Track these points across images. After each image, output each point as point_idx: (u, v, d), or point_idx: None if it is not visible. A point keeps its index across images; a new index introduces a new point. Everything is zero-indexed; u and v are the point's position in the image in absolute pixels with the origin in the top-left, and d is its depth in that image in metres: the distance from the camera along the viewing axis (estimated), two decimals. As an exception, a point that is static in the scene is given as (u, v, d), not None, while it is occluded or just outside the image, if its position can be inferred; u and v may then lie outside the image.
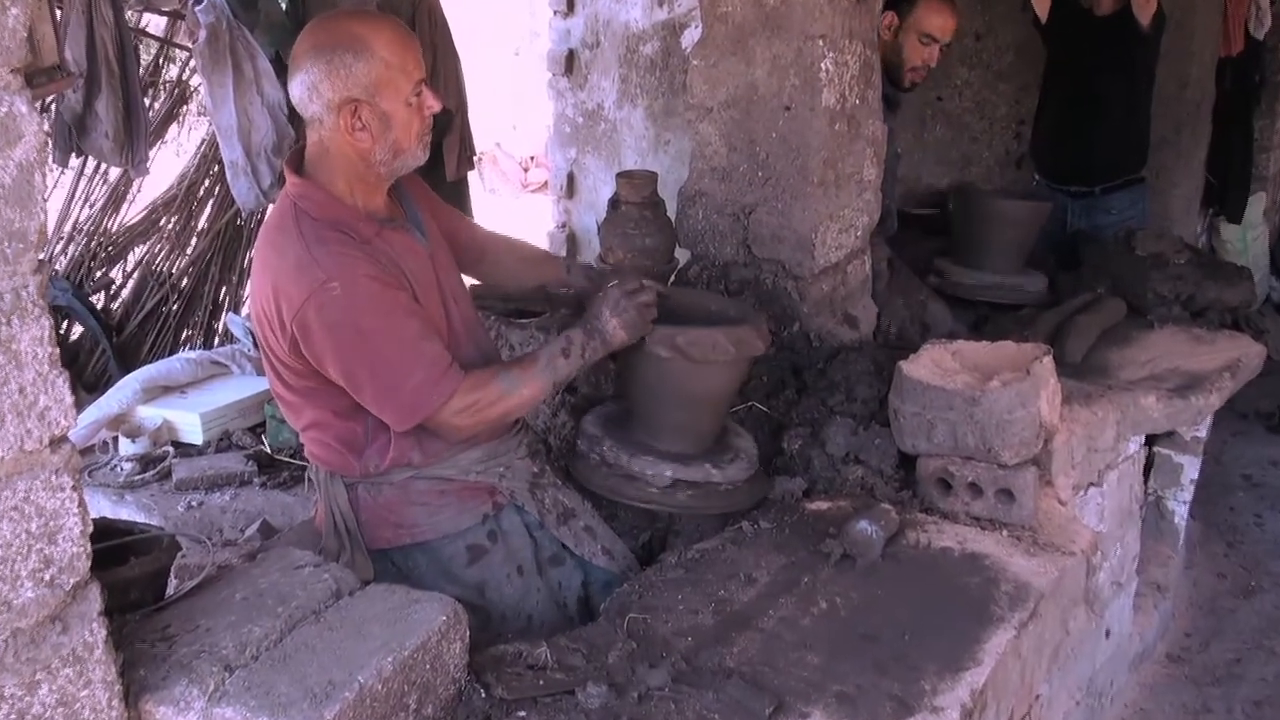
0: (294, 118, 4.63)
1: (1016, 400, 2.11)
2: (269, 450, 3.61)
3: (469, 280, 2.24)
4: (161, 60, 5.02)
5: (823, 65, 2.62)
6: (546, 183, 8.11)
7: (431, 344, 1.86)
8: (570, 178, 6.34)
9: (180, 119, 5.27)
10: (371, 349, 1.81)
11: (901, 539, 2.06)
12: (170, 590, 1.60)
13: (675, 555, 2.02)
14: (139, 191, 5.05)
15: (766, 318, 2.56)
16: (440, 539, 2.01)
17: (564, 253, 6.34)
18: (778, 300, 2.76)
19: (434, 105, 1.89)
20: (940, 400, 2.15)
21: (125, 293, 4.98)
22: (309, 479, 2.15)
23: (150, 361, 4.31)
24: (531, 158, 9.76)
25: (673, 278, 2.92)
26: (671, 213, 2.95)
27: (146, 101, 4.60)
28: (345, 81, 1.80)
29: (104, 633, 1.30)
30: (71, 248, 4.91)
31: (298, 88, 1.83)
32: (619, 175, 2.93)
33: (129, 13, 4.24)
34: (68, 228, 4.91)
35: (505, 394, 1.93)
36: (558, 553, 2.13)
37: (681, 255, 2.98)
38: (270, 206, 4.91)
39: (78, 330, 4.79)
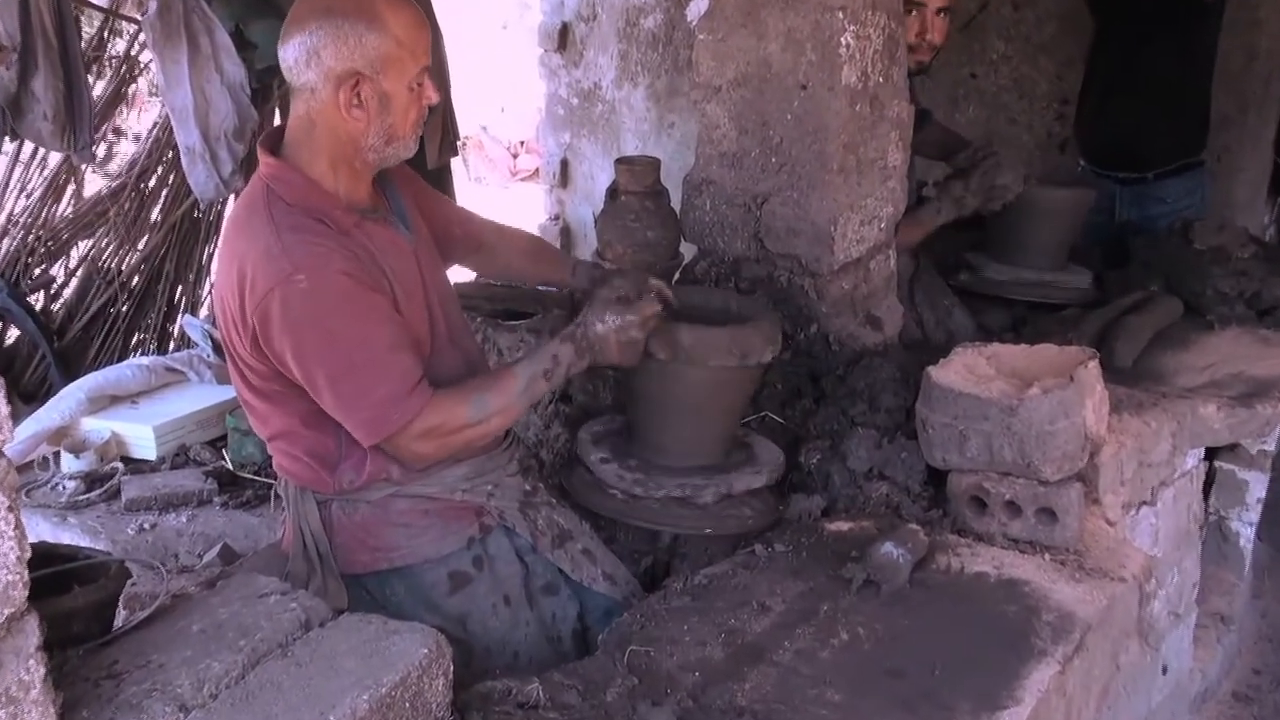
0: (257, 98, 4.65)
1: (1059, 409, 2.12)
2: (231, 466, 3.61)
3: (465, 274, 2.26)
4: (107, 33, 5.03)
5: (843, 39, 2.63)
6: (538, 170, 8.12)
7: (403, 355, 1.87)
8: (564, 165, 6.35)
9: (129, 99, 5.29)
10: (335, 353, 1.81)
11: (931, 563, 2.06)
12: (118, 622, 1.60)
13: (681, 581, 2.03)
14: (83, 180, 5.07)
15: (780, 318, 2.58)
16: (421, 564, 2.02)
17: (557, 246, 6.35)
18: (793, 299, 2.77)
19: (432, 97, 1.93)
20: (974, 409, 2.16)
21: (68, 292, 4.99)
22: (276, 496, 2.16)
23: (97, 368, 4.31)
24: (521, 143, 9.77)
25: (677, 275, 2.93)
26: (676, 203, 2.96)
27: (90, 80, 4.61)
28: (352, 52, 1.82)
29: (42, 670, 1.30)
30: (7, 242, 4.91)
31: (294, 50, 1.84)
32: (618, 162, 2.94)
33: (70, -19, 4.25)
34: (2, 220, 4.92)
35: (473, 421, 1.92)
36: (551, 580, 2.14)
37: (687, 250, 2.99)
38: (232, 197, 4.94)
39: (14, 334, 4.80)
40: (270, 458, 2.09)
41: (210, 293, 5.15)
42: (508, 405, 1.95)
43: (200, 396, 3.92)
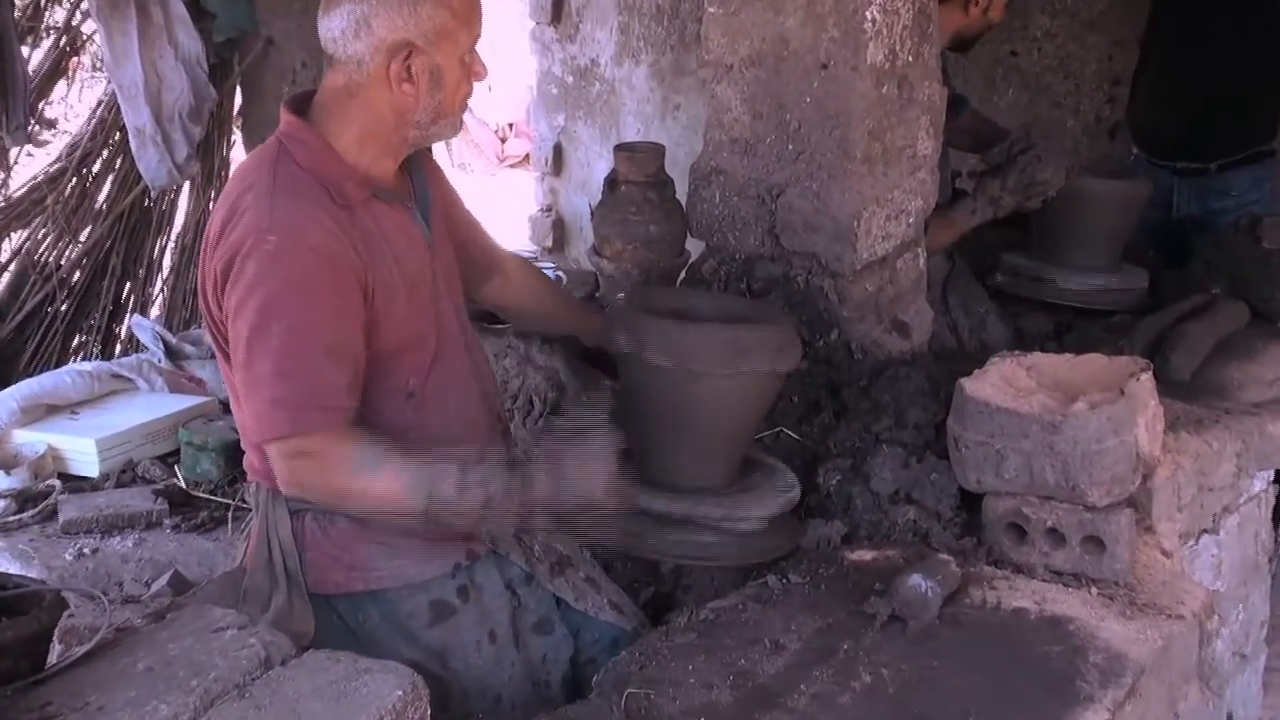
0: (216, 75, 4.67)
1: (1108, 426, 2.12)
2: (184, 485, 3.62)
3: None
4: (44, 1, 5.04)
5: (868, 14, 2.63)
6: (528, 156, 8.14)
7: (335, 368, 1.85)
8: (557, 150, 6.37)
9: (70, 74, 5.30)
10: (266, 327, 1.83)
11: (964, 597, 2.06)
12: (53, 658, 1.59)
13: (685, 616, 2.03)
14: (17, 164, 5.07)
15: (798, 324, 2.58)
16: (400, 589, 2.02)
17: (549, 242, 6.36)
18: (812, 302, 2.77)
19: (482, 72, 1.99)
20: (1012, 426, 2.16)
21: None
22: (234, 518, 2.16)
23: (32, 374, 4.31)
24: (510, 125, 9.79)
25: (682, 275, 2.93)
26: (682, 194, 2.96)
27: (25, 52, 4.62)
28: (406, 21, 1.88)
29: (-33, 710, 1.30)
30: (-72, 233, 4.93)
31: (341, 19, 1.89)
32: (618, 148, 2.95)
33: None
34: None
35: (354, 469, 1.85)
36: (545, 617, 2.14)
37: (693, 247, 2.99)
38: (186, 185, 4.95)
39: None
40: (228, 476, 2.09)
41: (162, 290, 5.16)
42: (401, 477, 1.84)
43: (150, 407, 3.92)
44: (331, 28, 1.91)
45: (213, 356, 3.85)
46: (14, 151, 4.88)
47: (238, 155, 5.19)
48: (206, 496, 3.55)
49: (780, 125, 2.76)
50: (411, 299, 1.97)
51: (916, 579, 2.00)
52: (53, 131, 5.75)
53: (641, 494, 2.18)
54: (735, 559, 2.23)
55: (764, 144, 2.80)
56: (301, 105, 1.99)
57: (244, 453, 2.07)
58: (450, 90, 1.95)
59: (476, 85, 2.03)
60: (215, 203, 2.19)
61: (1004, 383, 2.28)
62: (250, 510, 2.15)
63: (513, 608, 2.11)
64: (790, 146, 2.76)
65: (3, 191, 5.01)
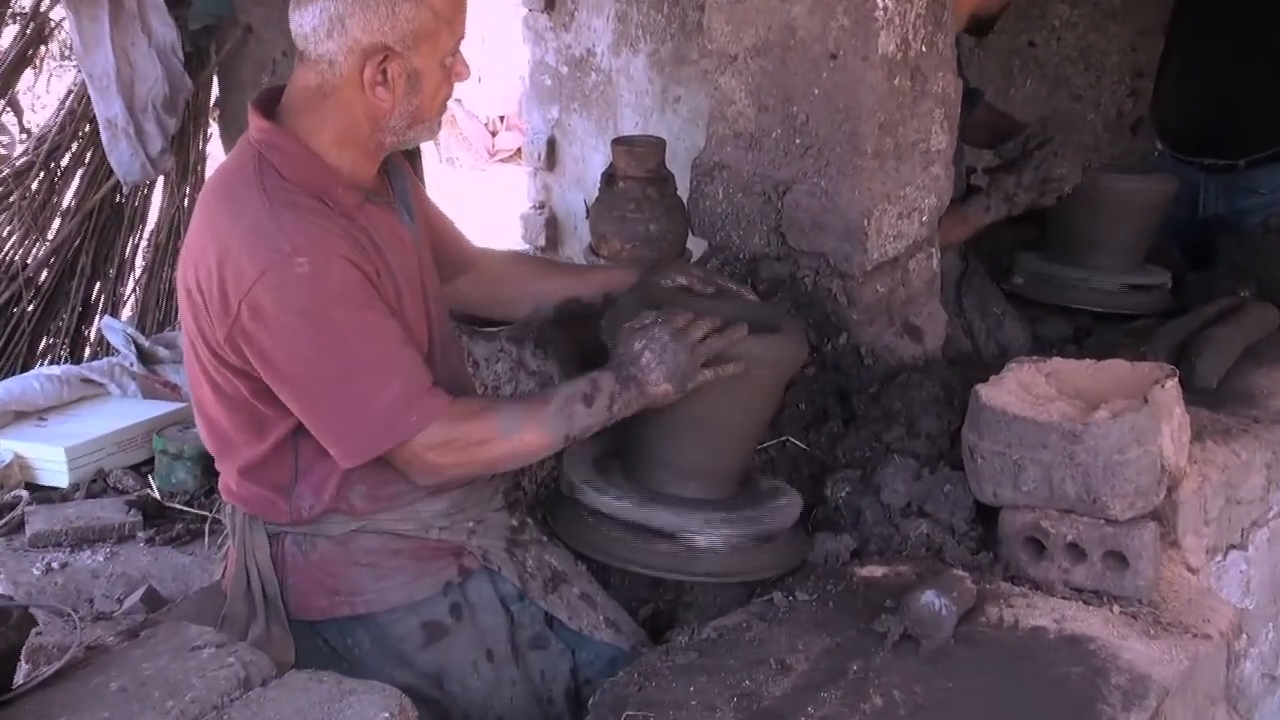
0: (192, 64, 4.67)
1: (1130, 436, 2.12)
2: (158, 496, 3.62)
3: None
4: (12, -15, 5.05)
5: (880, 1, 2.64)
6: (520, 151, 8.14)
7: (414, 354, 1.91)
8: (551, 144, 6.37)
9: (37, 64, 5.30)
10: (342, 347, 1.84)
11: (979, 616, 2.07)
12: (20, 678, 1.60)
13: (686, 635, 2.03)
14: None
15: (804, 327, 2.58)
16: (389, 612, 2.03)
17: (542, 240, 6.36)
18: (819, 305, 2.78)
19: (464, 73, 1.99)
20: (1030, 435, 2.17)
21: (-37, 290, 4.99)
22: (211, 531, 2.16)
23: (-1, 380, 4.31)
24: (501, 118, 9.80)
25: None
26: (683, 191, 2.96)
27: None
28: (384, 24, 1.86)
29: (-70, 733, 1.30)
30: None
31: (313, 15, 1.88)
32: (615, 142, 2.95)
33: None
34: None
35: (502, 434, 1.94)
36: (541, 633, 2.14)
37: (695, 246, 2.99)
38: (160, 180, 4.95)
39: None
40: (204, 487, 2.10)
41: (134, 290, 5.16)
42: (540, 423, 1.97)
43: (122, 413, 3.93)
44: (303, 23, 1.89)
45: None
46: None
47: (214, 149, 5.20)
48: (182, 508, 3.55)
49: (787, 118, 2.77)
50: (410, 306, 1.99)
51: (929, 596, 2.00)
52: (19, 124, 5.75)
53: (637, 506, 2.18)
54: (735, 575, 2.23)
55: (769, 138, 2.81)
56: (270, 106, 1.96)
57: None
58: (428, 95, 1.94)
59: (463, 79, 2.03)
60: (191, 203, 2.18)
61: (1022, 390, 2.28)
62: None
63: (508, 625, 2.12)
64: (797, 141, 2.77)
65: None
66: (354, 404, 1.86)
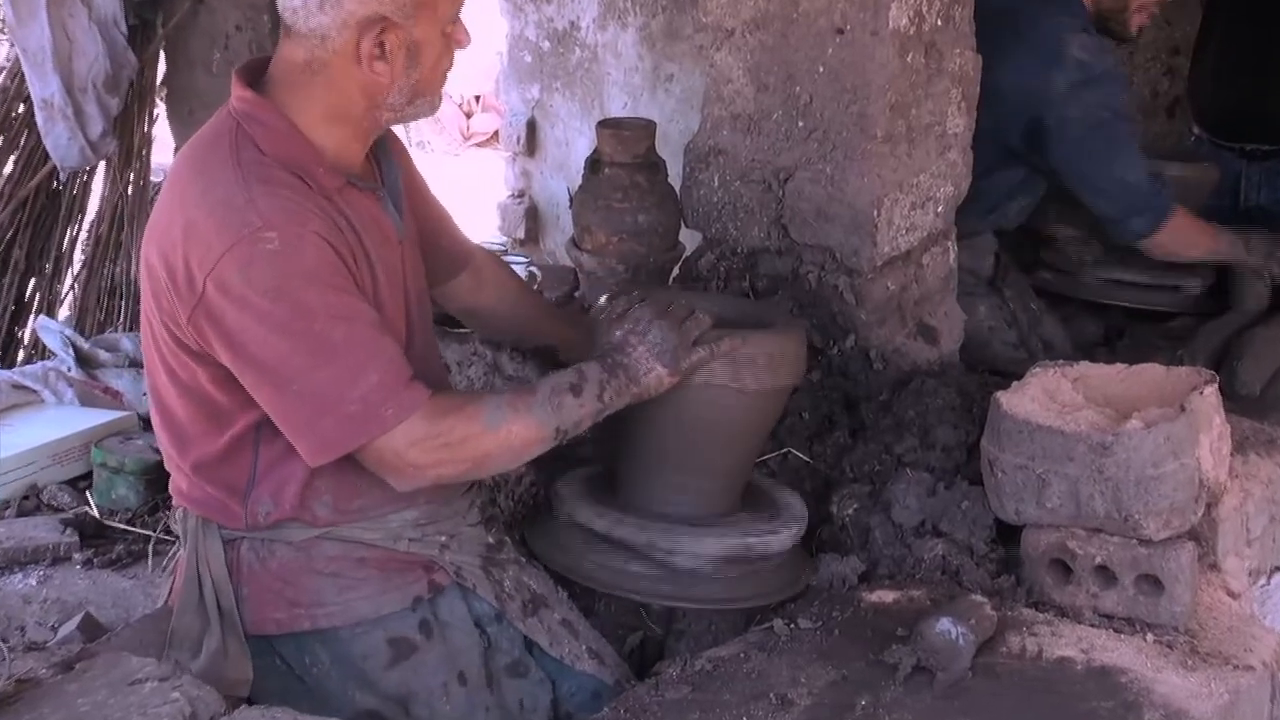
0: (136, 38, 4.66)
1: (1166, 448, 2.13)
2: (96, 514, 3.60)
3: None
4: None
5: (891, -30, 2.65)
6: (497, 134, 8.13)
7: (392, 343, 1.91)
8: (531, 127, 6.36)
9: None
10: (312, 330, 1.84)
11: (1000, 645, 2.06)
12: (-58, 715, 1.60)
13: (678, 666, 2.03)
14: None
15: (808, 328, 2.58)
16: (352, 627, 2.03)
17: (521, 232, 6.36)
18: (825, 304, 2.78)
19: (465, 40, 2.01)
20: (1056, 447, 2.17)
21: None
22: (155, 552, 2.16)
23: (-77, 386, 4.30)
24: (476, 98, 9.79)
25: (676, 271, 2.93)
26: (675, 178, 2.96)
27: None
28: None
29: None
30: None
31: None
32: (601, 124, 2.95)
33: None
34: None
35: (487, 427, 1.94)
36: (519, 659, 2.14)
37: (689, 239, 2.99)
38: (102, 165, 4.94)
39: None
40: (148, 504, 2.10)
41: (72, 287, 5.14)
42: (525, 415, 1.97)
43: (58, 422, 3.91)
44: None
45: (131, 365, 3.84)
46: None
47: (161, 131, 5.18)
48: (123, 527, 3.53)
49: (789, 99, 2.77)
50: (389, 300, 1.99)
51: (945, 624, 2.00)
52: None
53: (625, 526, 2.18)
54: (730, 600, 2.23)
55: (770, 120, 2.81)
56: (255, 76, 1.98)
57: (168, 476, 2.07)
58: (429, 67, 1.96)
59: (464, 47, 2.04)
60: (135, 191, 2.17)
61: (1046, 397, 2.28)
62: (174, 543, 2.15)
63: (483, 647, 2.12)
64: (800, 123, 2.77)
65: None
66: (325, 393, 1.86)
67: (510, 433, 1.96)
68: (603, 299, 2.23)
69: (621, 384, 2.04)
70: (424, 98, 1.99)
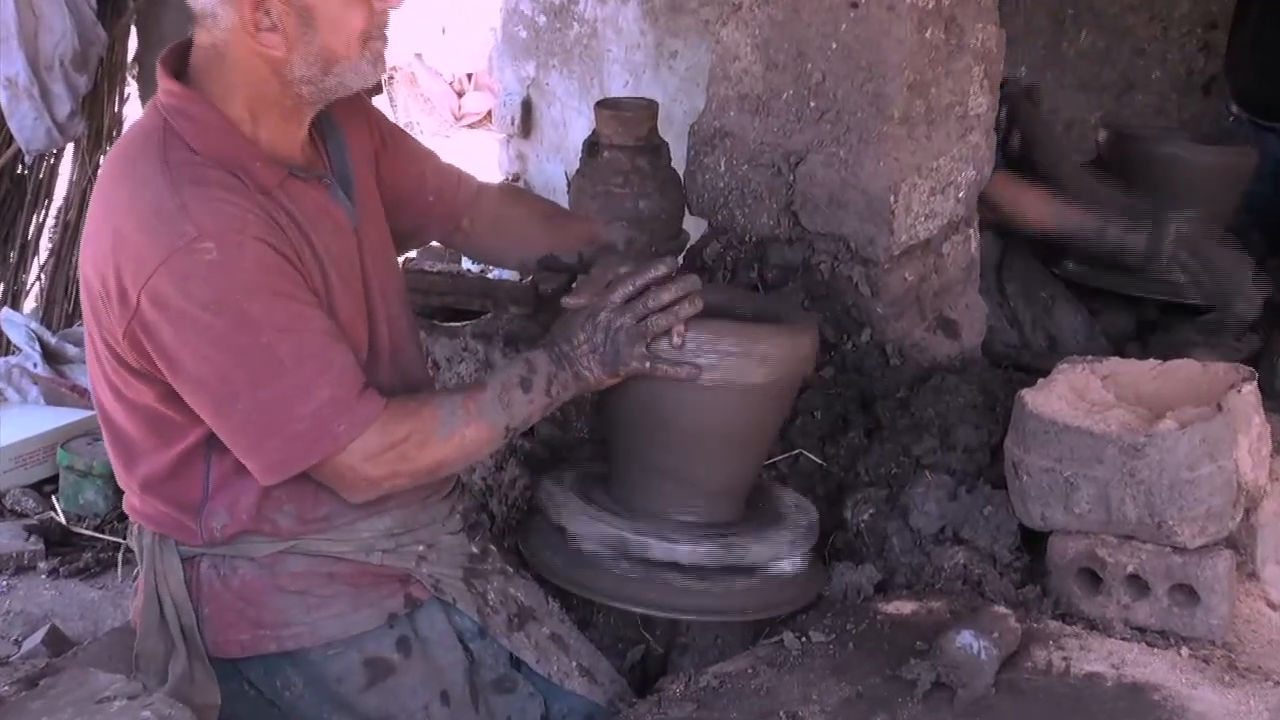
0: (106, 12, 4.66)
1: (1202, 449, 2.12)
2: (63, 520, 3.61)
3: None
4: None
5: (908, -61, 2.64)
6: (490, 114, 8.13)
7: (344, 351, 1.90)
8: (526, 107, 6.36)
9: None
10: (257, 345, 1.83)
11: (1025, 660, 2.06)
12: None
13: (682, 682, 2.03)
14: None
15: (820, 322, 2.58)
16: (324, 647, 2.02)
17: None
18: (839, 295, 2.78)
19: None
20: (1085, 449, 2.16)
21: None
22: (125, 561, 2.16)
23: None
24: (468, 76, 9.78)
25: (679, 260, 2.93)
26: (679, 162, 2.96)
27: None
28: None
29: None
30: None
31: None
32: (600, 104, 2.94)
33: None
34: None
35: (441, 433, 1.95)
36: (506, 674, 2.14)
37: (694, 227, 2.99)
38: (70, 148, 4.94)
39: None
40: (117, 509, 2.09)
41: (39, 277, 5.15)
42: (482, 417, 1.97)
43: (22, 423, 3.91)
44: None
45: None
46: None
47: (132, 111, 5.18)
48: (91, 534, 3.54)
49: (800, 77, 2.77)
50: (343, 300, 1.97)
51: (967, 637, 2.00)
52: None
53: (625, 533, 2.18)
54: (736, 612, 2.23)
55: (780, 100, 2.80)
56: (179, 63, 1.95)
57: None
58: (331, 29, 1.89)
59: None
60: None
61: (1074, 395, 2.28)
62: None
63: (467, 664, 2.11)
64: (812, 104, 2.76)
65: None
66: (273, 412, 1.85)
67: (464, 438, 1.97)
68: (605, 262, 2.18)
69: (568, 378, 2.05)
70: (341, 63, 1.92)
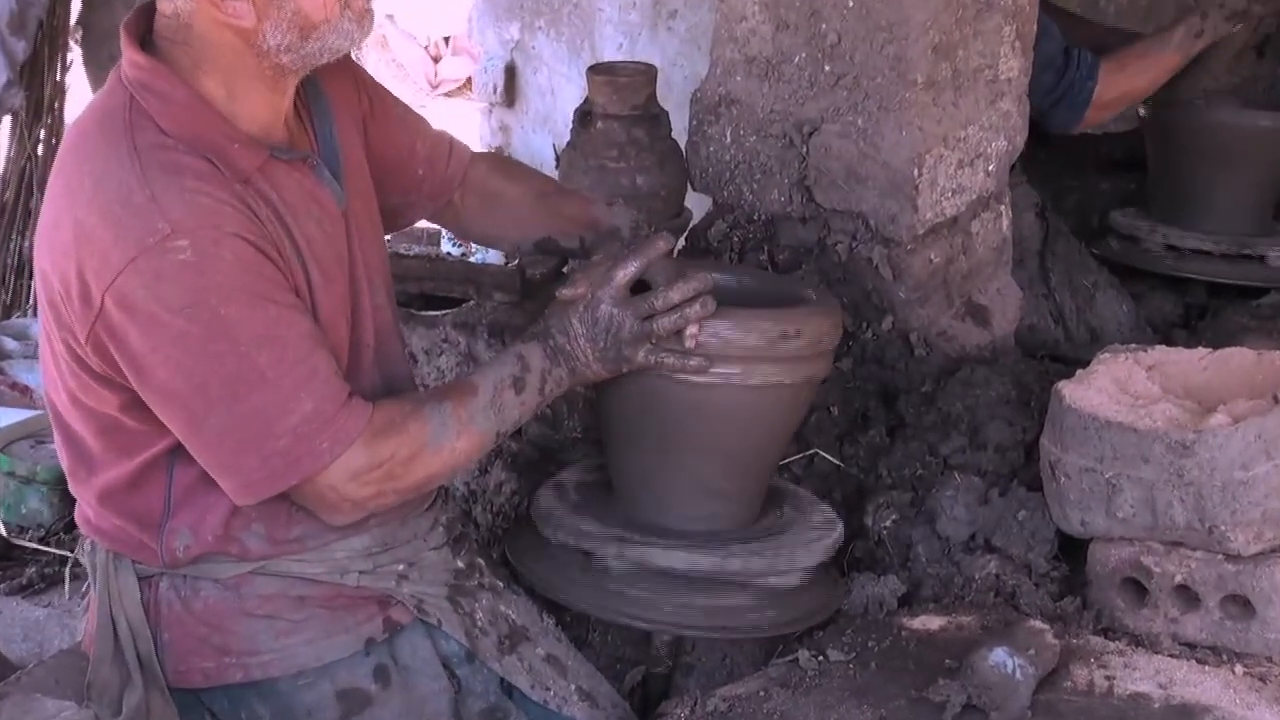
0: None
1: (1257, 447, 2.12)
2: (4, 531, 3.60)
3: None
4: None
5: (933, -115, 2.64)
6: (469, 81, 8.11)
7: (327, 358, 1.89)
8: (510, 73, 6.35)
9: None
10: (235, 354, 1.82)
11: (1064, 679, 2.06)
12: None
13: (687, 706, 2.03)
14: None
15: (839, 307, 2.58)
16: (294, 677, 2.02)
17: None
18: (857, 279, 2.78)
19: None
20: (1128, 447, 2.16)
21: None
22: (74, 576, 2.15)
23: None
24: (446, 40, 9.78)
25: (681, 242, 2.93)
26: (680, 132, 2.96)
27: None
28: None
29: None
30: None
31: None
32: (592, 70, 2.94)
33: None
34: None
35: (432, 445, 1.94)
36: (496, 704, 2.14)
37: (697, 205, 2.99)
38: (6, 120, 4.94)
39: None
40: (64, 519, 2.09)
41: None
42: (473, 425, 1.97)
43: (-41, 423, 3.92)
44: None
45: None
46: None
47: (76, 80, 5.18)
48: (36, 547, 3.53)
49: (813, 38, 2.76)
50: (326, 291, 1.96)
51: (1000, 655, 2.00)
52: None
53: (625, 543, 2.18)
54: (752, 629, 2.23)
55: (791, 64, 2.80)
56: (144, 29, 1.92)
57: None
58: None
59: None
60: (46, 149, 2.12)
61: (1116, 388, 2.28)
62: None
63: (452, 693, 2.11)
64: (827, 68, 2.76)
65: None
66: (250, 426, 1.85)
67: (455, 450, 1.97)
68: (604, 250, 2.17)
69: (562, 375, 2.05)
70: (322, 27, 1.89)
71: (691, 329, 2.04)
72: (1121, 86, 3.36)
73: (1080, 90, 3.40)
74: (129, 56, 1.89)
